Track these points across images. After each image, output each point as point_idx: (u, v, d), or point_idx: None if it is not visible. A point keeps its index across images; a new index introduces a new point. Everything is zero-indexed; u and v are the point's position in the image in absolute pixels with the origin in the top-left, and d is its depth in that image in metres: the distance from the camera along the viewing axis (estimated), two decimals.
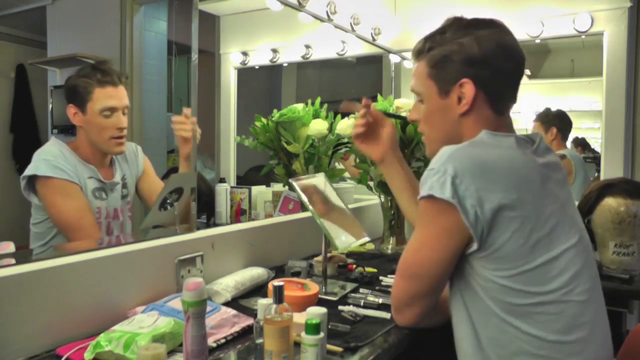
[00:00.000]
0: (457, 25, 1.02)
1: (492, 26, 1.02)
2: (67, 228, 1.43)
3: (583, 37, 2.55)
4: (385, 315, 1.22)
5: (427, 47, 1.05)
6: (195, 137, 1.51)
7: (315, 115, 2.06)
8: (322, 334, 0.94)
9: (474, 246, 0.94)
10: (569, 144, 2.83)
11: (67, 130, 1.53)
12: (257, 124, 2.07)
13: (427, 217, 0.98)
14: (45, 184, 1.40)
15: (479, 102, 1.01)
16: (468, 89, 1.00)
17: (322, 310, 1.03)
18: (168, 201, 1.42)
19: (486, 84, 1.00)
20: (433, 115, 1.08)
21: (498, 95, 1.02)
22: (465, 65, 1.00)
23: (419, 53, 1.08)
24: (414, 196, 1.18)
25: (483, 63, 0.99)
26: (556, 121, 2.73)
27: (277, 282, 0.94)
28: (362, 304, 1.30)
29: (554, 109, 2.82)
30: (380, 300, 1.30)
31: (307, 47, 2.68)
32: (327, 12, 2.32)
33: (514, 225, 0.92)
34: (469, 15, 1.05)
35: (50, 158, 1.42)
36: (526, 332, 0.93)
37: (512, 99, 1.04)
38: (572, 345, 0.93)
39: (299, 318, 1.02)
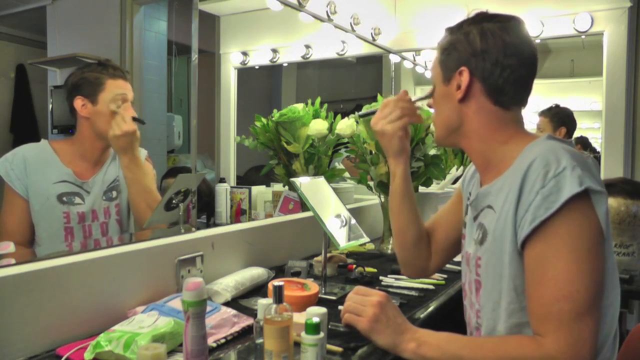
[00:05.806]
0: (473, 18, 1.05)
1: (503, 21, 1.03)
2: None
3: (583, 37, 2.55)
4: None
5: (444, 37, 1.09)
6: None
7: (315, 115, 2.06)
8: (322, 334, 0.94)
9: None
10: None
11: (67, 130, 1.52)
12: (257, 124, 2.07)
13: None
14: None
15: (475, 93, 1.03)
16: (464, 77, 1.03)
17: (322, 310, 1.03)
18: (174, 201, 1.42)
19: (484, 76, 1.02)
20: (439, 100, 1.10)
21: (497, 88, 1.02)
22: (467, 55, 1.02)
23: (438, 42, 1.12)
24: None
25: (483, 55, 1.01)
26: (566, 120, 2.70)
27: (277, 282, 0.94)
28: None
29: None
30: None
31: (307, 47, 2.68)
32: (327, 12, 2.32)
33: None
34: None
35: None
36: None
37: (518, 95, 1.04)
38: None
39: (299, 318, 1.02)
